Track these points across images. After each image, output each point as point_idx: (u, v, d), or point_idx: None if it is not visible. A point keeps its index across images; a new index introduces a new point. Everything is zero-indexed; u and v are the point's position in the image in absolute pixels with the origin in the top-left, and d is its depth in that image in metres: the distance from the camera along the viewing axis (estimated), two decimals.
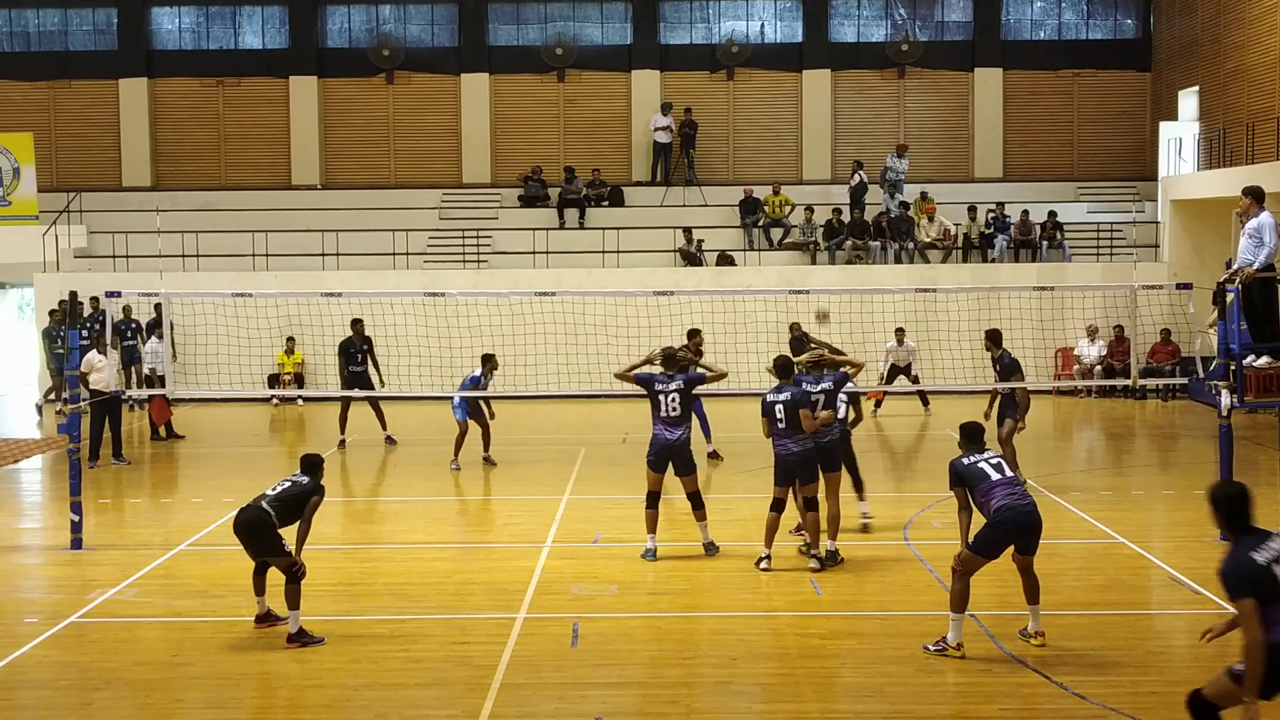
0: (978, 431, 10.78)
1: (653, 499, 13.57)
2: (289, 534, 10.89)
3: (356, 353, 21.33)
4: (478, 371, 19.03)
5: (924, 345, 25.23)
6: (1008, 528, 10.18)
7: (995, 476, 10.31)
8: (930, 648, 10.38)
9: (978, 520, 10.32)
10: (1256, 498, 7.38)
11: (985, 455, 10.54)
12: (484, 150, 33.42)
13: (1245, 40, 28.13)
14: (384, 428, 21.66)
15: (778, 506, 12.99)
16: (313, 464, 11.27)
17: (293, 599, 10.67)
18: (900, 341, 25.43)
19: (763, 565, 13.02)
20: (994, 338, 17.07)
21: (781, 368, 13.17)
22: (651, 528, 13.60)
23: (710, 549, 13.72)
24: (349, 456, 20.86)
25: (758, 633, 11.13)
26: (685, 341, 17.92)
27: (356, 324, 21.55)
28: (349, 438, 21.65)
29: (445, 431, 20.20)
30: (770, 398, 12.84)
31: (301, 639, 10.67)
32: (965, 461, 10.51)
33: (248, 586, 12.36)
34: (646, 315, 21.03)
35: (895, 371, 25.35)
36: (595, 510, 16.59)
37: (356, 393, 20.93)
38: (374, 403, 21.75)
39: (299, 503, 10.88)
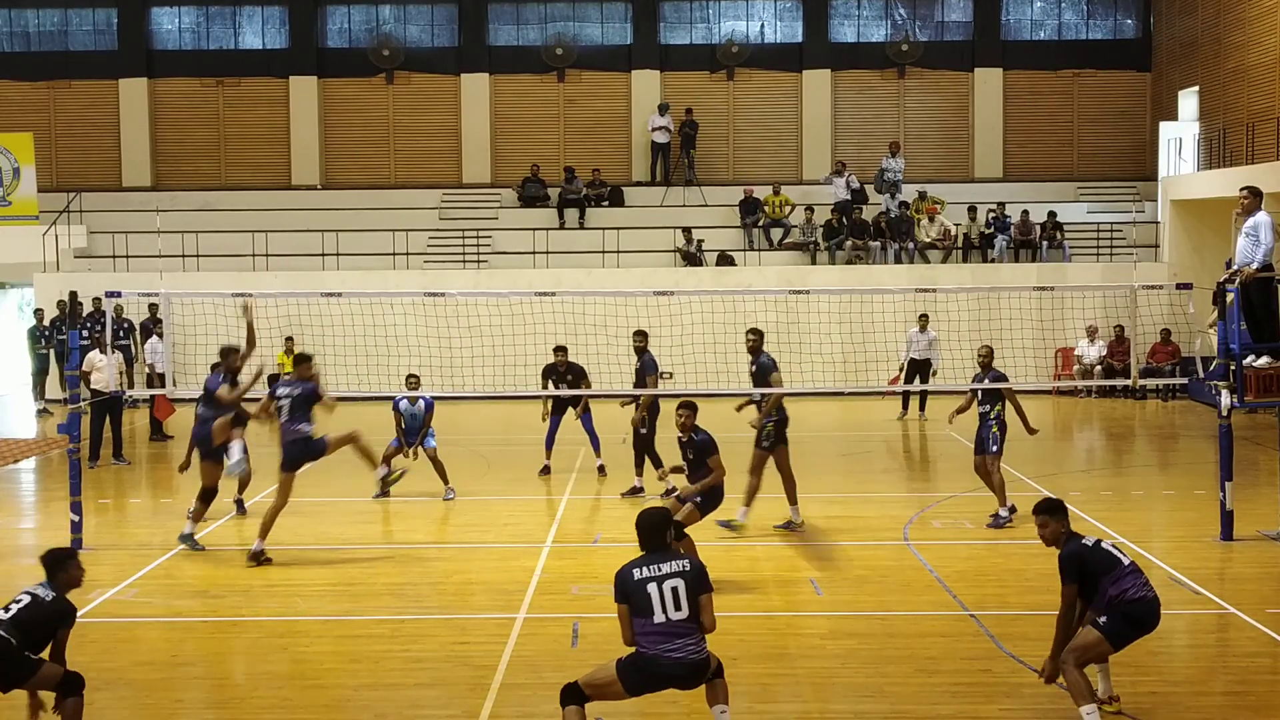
0: (1061, 506, 9.24)
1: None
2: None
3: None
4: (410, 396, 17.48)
5: None
6: (1141, 623, 8.95)
7: (1125, 561, 8.99)
8: None
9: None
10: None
11: (1095, 539, 9.13)
12: (484, 150, 33.43)
13: (1245, 40, 28.14)
14: None
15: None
16: (54, 563, 8.45)
17: (76, 712, 8.23)
18: (923, 329, 24.34)
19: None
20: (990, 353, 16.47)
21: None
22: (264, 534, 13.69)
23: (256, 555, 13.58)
24: (350, 457, 20.79)
25: (757, 633, 11.12)
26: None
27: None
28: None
29: (445, 432, 20.16)
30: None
31: None
32: (1086, 544, 8.96)
33: (248, 586, 12.35)
34: (646, 315, 20.98)
35: (915, 366, 24.27)
36: (595, 510, 16.62)
37: (357, 393, 20.78)
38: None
39: (44, 628, 8.20)
